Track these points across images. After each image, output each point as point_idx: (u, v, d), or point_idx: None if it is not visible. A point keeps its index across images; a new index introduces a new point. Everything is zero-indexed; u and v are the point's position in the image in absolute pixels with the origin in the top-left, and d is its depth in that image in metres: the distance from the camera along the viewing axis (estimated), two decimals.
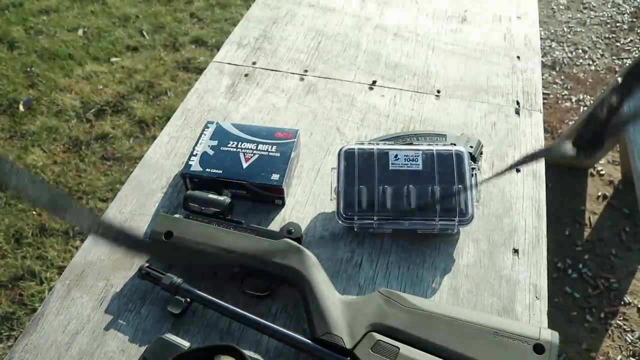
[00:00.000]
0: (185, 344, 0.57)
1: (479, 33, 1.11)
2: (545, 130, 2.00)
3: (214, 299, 0.62)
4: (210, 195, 0.70)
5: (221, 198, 0.69)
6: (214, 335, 0.62)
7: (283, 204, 0.76)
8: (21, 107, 2.01)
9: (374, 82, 0.99)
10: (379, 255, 0.71)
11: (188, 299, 0.62)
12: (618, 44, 2.49)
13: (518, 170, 0.83)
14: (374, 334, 0.57)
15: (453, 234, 0.72)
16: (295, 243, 0.65)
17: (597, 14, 2.66)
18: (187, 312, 0.63)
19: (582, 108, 2.14)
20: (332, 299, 0.60)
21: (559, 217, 1.73)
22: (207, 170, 0.75)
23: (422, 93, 0.97)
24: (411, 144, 0.73)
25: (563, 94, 2.22)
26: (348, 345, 0.56)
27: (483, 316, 0.58)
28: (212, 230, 0.66)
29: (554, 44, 2.47)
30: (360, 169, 0.70)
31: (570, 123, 2.03)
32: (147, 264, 0.65)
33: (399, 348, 0.56)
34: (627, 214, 1.75)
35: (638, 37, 2.53)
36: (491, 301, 0.66)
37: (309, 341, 0.58)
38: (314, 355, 0.57)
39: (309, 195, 0.78)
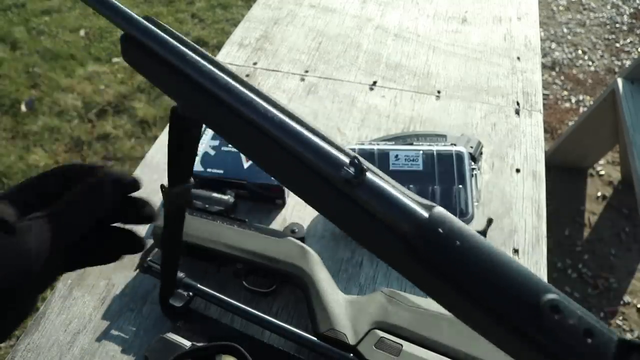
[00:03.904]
0: (187, 343, 0.57)
1: (479, 34, 1.12)
2: (545, 131, 2.01)
3: (217, 294, 0.62)
4: (215, 195, 0.70)
5: (225, 197, 0.70)
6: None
7: (284, 204, 0.77)
8: (23, 108, 2.02)
9: (375, 82, 0.99)
10: None
11: (190, 293, 0.62)
12: (617, 45, 2.49)
13: (518, 170, 0.83)
14: (377, 331, 0.57)
15: None
16: (299, 242, 0.65)
17: (596, 15, 2.66)
18: (189, 305, 0.63)
19: (581, 109, 2.15)
20: (335, 296, 0.61)
21: (558, 217, 1.74)
22: (208, 170, 0.75)
23: (422, 93, 0.97)
24: (411, 144, 0.74)
25: (563, 94, 2.23)
26: (351, 341, 0.57)
27: None
28: (216, 227, 0.66)
29: (553, 45, 2.48)
30: None
31: (569, 123, 2.03)
32: (149, 258, 0.65)
33: (402, 345, 0.56)
34: (626, 214, 1.75)
35: (637, 38, 2.53)
36: None
37: (313, 337, 0.58)
38: (317, 352, 0.58)
39: None
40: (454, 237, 0.30)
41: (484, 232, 0.25)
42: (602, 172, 1.89)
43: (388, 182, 0.32)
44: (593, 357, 0.26)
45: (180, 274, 0.63)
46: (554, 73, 2.33)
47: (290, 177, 0.34)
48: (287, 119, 0.33)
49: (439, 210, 0.31)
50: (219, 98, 0.34)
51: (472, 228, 0.31)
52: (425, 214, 0.30)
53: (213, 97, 0.34)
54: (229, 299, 0.62)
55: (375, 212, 0.31)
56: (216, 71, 0.34)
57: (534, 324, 0.27)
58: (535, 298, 0.27)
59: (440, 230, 0.30)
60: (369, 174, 0.31)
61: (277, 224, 0.74)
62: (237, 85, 0.34)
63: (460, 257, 0.29)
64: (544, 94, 2.18)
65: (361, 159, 0.32)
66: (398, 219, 0.31)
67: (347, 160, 0.31)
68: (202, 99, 0.34)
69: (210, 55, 0.36)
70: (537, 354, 0.27)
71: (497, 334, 0.29)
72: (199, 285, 0.62)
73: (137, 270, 0.66)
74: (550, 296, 0.28)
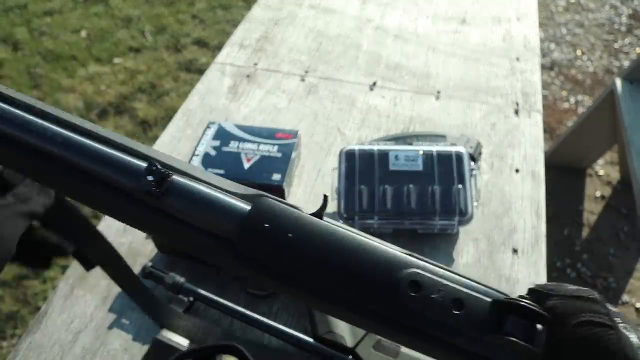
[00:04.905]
0: (184, 342, 0.57)
1: (478, 34, 1.12)
2: (544, 131, 2.01)
3: (217, 297, 0.62)
4: None
5: None
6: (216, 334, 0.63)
7: None
8: None
9: (375, 83, 1.00)
10: None
11: (191, 298, 0.62)
12: (616, 45, 2.49)
13: (517, 170, 0.84)
14: None
15: (453, 233, 0.73)
16: None
17: (595, 16, 2.67)
18: (190, 311, 0.63)
19: (580, 109, 2.15)
20: None
21: (557, 217, 1.74)
22: (209, 170, 0.75)
23: (422, 94, 0.98)
24: (411, 144, 0.74)
25: (562, 95, 2.23)
26: (350, 344, 0.57)
27: None
28: None
29: (552, 45, 2.48)
30: (360, 169, 0.71)
31: (569, 124, 2.04)
32: (150, 264, 0.65)
33: (400, 347, 0.56)
34: (625, 214, 1.76)
35: (636, 39, 2.54)
36: None
37: (311, 340, 0.58)
38: (315, 354, 0.58)
39: (310, 195, 0.79)
40: (285, 228, 0.26)
41: (318, 214, 0.23)
42: (601, 172, 1.89)
43: (201, 180, 0.28)
44: (463, 329, 0.24)
45: (181, 279, 0.63)
46: (553, 73, 2.34)
47: (84, 196, 0.29)
48: (66, 132, 0.28)
49: (264, 201, 0.27)
50: None
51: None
52: (247, 208, 0.27)
53: None
54: (228, 303, 0.62)
55: (190, 220, 0.27)
56: None
57: (390, 307, 0.25)
58: (389, 277, 0.25)
59: (267, 224, 0.26)
60: (175, 177, 0.27)
61: None
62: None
63: (294, 251, 0.26)
64: (543, 95, 2.18)
65: (165, 159, 0.28)
66: (217, 221, 0.27)
67: (144, 166, 0.27)
68: None
69: None
70: (404, 337, 0.25)
71: (359, 322, 0.26)
72: (199, 290, 0.63)
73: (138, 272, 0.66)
74: (408, 271, 0.25)
